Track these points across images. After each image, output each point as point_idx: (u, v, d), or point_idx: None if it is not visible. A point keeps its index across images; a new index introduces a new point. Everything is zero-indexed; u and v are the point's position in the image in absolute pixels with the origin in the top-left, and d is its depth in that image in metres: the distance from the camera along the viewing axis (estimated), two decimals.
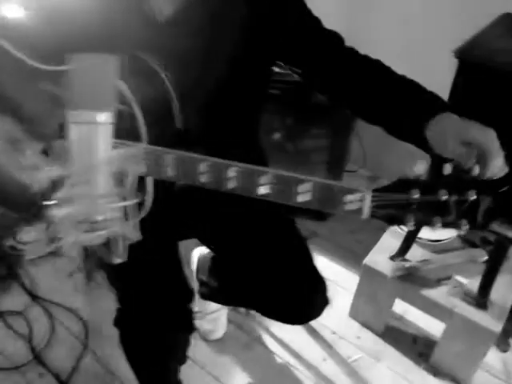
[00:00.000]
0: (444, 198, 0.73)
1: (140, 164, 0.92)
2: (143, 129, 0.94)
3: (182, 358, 1.35)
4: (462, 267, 1.64)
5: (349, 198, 0.79)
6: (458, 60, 1.21)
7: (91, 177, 0.77)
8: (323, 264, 2.07)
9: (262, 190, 0.86)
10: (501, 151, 0.74)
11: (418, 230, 1.60)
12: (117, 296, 1.15)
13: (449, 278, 1.59)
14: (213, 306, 1.75)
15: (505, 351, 1.76)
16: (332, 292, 2.01)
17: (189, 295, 1.23)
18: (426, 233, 1.70)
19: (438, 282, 1.60)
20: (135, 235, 0.86)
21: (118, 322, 1.18)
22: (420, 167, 0.75)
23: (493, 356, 1.74)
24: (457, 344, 1.58)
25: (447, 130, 0.81)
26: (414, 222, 0.78)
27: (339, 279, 2.01)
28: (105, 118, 0.72)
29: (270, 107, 2.19)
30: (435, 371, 1.69)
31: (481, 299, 1.52)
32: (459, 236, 1.77)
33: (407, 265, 1.62)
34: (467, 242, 1.74)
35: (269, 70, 1.09)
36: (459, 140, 0.77)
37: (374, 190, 0.77)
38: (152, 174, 0.95)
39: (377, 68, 0.97)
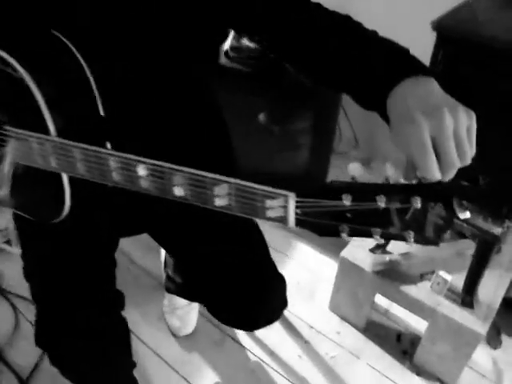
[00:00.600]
0: (382, 205, 0.60)
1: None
2: (49, 119, 0.81)
3: (127, 363, 1.23)
4: (447, 261, 1.50)
5: (270, 203, 0.66)
6: (436, 33, 1.04)
7: None
8: (305, 253, 1.95)
9: (177, 192, 0.74)
10: (425, 149, 0.58)
11: None
12: (33, 294, 1.01)
13: (433, 272, 1.45)
14: (182, 300, 1.65)
15: (495, 348, 1.64)
16: (313, 283, 1.91)
17: (118, 300, 1.11)
18: None
19: (421, 277, 1.47)
20: None
21: (40, 339, 1.04)
22: (355, 167, 0.62)
23: (482, 354, 1.62)
24: (440, 344, 1.45)
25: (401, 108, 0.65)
26: (349, 233, 0.65)
27: (321, 269, 1.88)
28: None
29: (250, 87, 2.07)
30: (419, 370, 1.57)
31: (466, 297, 1.38)
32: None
33: (388, 258, 1.49)
34: (458, 233, 1.59)
35: (202, 38, 0.92)
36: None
37: (300, 195, 0.64)
38: (63, 169, 0.83)
39: (342, 23, 0.78)
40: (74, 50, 0.81)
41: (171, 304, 1.68)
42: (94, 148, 0.77)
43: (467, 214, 1.20)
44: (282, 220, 0.66)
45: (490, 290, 1.44)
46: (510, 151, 1.08)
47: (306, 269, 1.89)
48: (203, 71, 1.01)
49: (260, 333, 1.68)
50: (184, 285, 1.45)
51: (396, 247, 1.54)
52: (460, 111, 0.59)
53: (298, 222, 0.66)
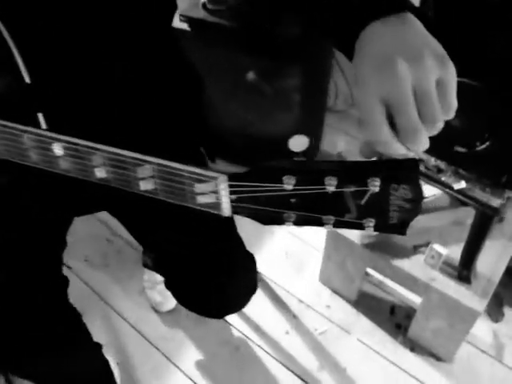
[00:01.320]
0: (331, 189, 0.48)
1: None
2: None
3: (89, 347, 1.13)
4: (444, 231, 1.38)
5: (199, 187, 0.54)
6: None
7: None
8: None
9: (99, 174, 0.62)
10: (409, 104, 0.45)
11: None
12: None
13: (427, 244, 1.33)
14: None
15: (497, 321, 1.54)
16: (303, 253, 1.81)
17: (64, 286, 1.01)
18: None
19: (415, 249, 1.35)
20: None
21: None
22: (298, 142, 0.49)
23: (482, 327, 1.52)
24: (435, 321, 1.35)
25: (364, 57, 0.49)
26: (296, 221, 0.53)
27: (311, 238, 1.77)
28: None
29: (235, 43, 1.90)
30: (413, 345, 1.48)
31: (463, 271, 1.27)
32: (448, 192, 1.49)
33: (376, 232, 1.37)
34: (460, 200, 1.46)
35: None
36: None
37: (232, 177, 0.51)
38: None
39: None
40: None
41: (152, 279, 1.59)
42: (2, 122, 0.64)
43: (462, 184, 1.04)
44: (216, 207, 0.54)
45: (491, 262, 1.32)
46: (508, 112, 0.93)
47: (295, 237, 1.78)
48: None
49: (246, 307, 1.59)
50: (157, 260, 1.36)
51: None
52: (446, 59, 0.46)
53: (236, 210, 0.54)
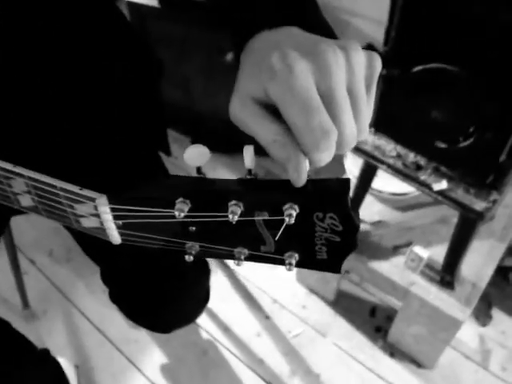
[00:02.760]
0: (235, 217, 0.36)
1: None
2: None
3: None
4: (427, 231, 1.26)
5: (80, 208, 0.42)
6: None
7: None
8: None
9: None
10: (311, 103, 0.33)
11: (369, 180, 1.20)
12: None
13: (408, 244, 1.22)
14: None
15: (484, 325, 1.43)
16: None
17: None
18: (387, 184, 1.31)
19: (395, 250, 1.24)
20: None
21: None
22: (195, 155, 0.37)
23: (468, 330, 1.41)
24: (415, 327, 1.25)
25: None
26: (199, 254, 0.42)
27: None
28: None
29: (208, 20, 1.75)
30: (393, 350, 1.38)
31: (446, 276, 1.16)
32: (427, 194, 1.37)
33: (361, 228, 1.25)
34: (448, 197, 1.34)
35: None
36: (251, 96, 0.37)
37: (114, 199, 0.40)
38: None
39: None
40: None
41: None
42: None
43: (443, 184, 0.91)
44: (102, 233, 0.43)
45: (477, 265, 1.21)
46: (496, 103, 0.81)
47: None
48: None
49: (216, 307, 1.48)
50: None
51: (368, 214, 1.30)
52: (353, 49, 0.34)
53: (126, 238, 0.43)
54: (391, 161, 0.97)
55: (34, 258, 1.65)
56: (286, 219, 0.35)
